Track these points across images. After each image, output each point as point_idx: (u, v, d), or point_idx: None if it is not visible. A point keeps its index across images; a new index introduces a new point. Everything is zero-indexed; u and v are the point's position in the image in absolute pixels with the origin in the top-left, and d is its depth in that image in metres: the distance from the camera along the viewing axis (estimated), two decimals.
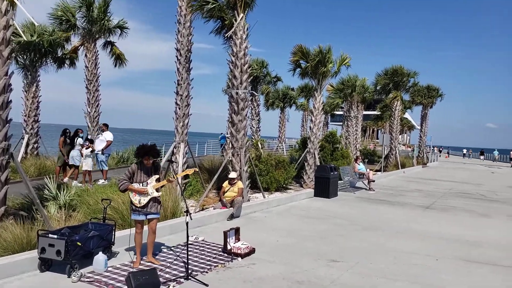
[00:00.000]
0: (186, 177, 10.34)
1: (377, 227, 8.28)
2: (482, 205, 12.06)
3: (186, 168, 10.19)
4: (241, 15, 9.84)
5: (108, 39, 16.93)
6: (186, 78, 10.07)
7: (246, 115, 10.21)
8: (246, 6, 9.90)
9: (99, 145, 11.42)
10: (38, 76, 15.12)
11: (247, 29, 10.07)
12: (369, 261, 5.88)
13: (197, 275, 4.92)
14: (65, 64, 16.48)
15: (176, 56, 10.30)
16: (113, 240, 5.55)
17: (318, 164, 13.95)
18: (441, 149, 59.45)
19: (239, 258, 5.68)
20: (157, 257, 5.56)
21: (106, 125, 12.00)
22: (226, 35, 10.57)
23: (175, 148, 9.98)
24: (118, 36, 16.75)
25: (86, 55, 16.07)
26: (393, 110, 25.25)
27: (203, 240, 6.54)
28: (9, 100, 6.00)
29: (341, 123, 30.57)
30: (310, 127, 14.84)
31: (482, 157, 53.97)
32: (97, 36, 16.16)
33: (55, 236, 4.80)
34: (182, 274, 4.89)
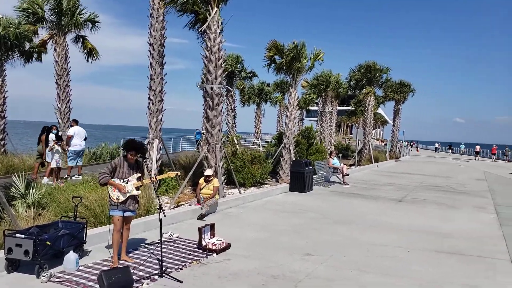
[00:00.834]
0: (160, 173, 10.21)
1: (350, 221, 8.44)
2: (451, 198, 12.50)
3: (160, 165, 10.06)
4: (215, 9, 9.74)
5: (79, 33, 16.41)
6: (160, 73, 9.91)
7: (221, 110, 10.15)
8: (220, 1, 9.81)
9: (81, 142, 11.39)
10: (4, 70, 14.54)
11: (221, 24, 9.99)
12: (343, 254, 5.99)
13: (171, 272, 4.88)
14: (33, 58, 15.88)
15: (149, 51, 10.12)
16: (84, 239, 5.42)
17: (294, 159, 14.06)
18: (412, 144, 61.89)
19: (214, 254, 5.66)
20: (130, 255, 5.47)
21: (75, 121, 11.86)
22: (200, 29, 10.45)
23: (149, 144, 9.82)
24: (90, 30, 16.26)
25: (55, 49, 15.52)
26: (367, 105, 25.74)
27: (177, 237, 6.48)
28: None
29: (316, 119, 30.90)
30: (285, 123, 14.93)
31: (449, 150, 57.24)
32: (67, 30, 15.63)
33: (23, 236, 4.63)
34: (156, 272, 4.83)
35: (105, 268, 4.77)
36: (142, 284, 4.48)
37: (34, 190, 7.43)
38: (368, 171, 21.01)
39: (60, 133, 12.96)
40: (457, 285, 4.92)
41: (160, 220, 4.97)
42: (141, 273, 4.82)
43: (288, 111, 14.85)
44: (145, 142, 9.92)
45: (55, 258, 4.94)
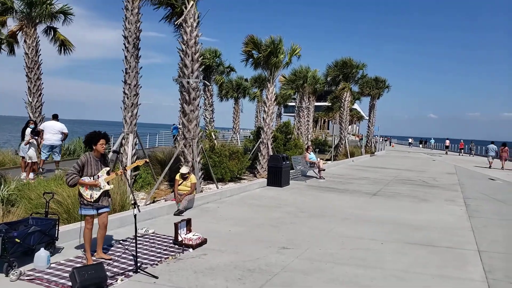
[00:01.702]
0: (136, 168, 10.06)
1: (326, 214, 8.56)
2: (424, 191, 12.86)
3: (136, 160, 9.90)
4: (191, 2, 9.62)
5: (51, 25, 15.88)
6: (135, 67, 9.71)
7: (198, 105, 10.07)
8: None
9: (51, 136, 11.39)
10: None
11: (198, 17, 9.88)
12: (318, 247, 6.08)
13: (146, 267, 4.82)
14: (1, 50, 15.27)
15: (124, 44, 9.89)
16: (56, 235, 5.28)
17: (271, 154, 14.12)
18: (386, 139, 64.06)
19: (191, 249, 5.64)
20: (104, 251, 5.37)
21: (54, 116, 11.89)
22: (176, 22, 10.31)
23: (124, 139, 9.64)
24: (63, 22, 15.75)
25: (25, 41, 14.95)
26: (343, 101, 26.10)
27: (153, 233, 6.41)
28: None
29: (294, 114, 31.11)
30: (263, 118, 14.97)
31: (421, 145, 61.20)
32: (37, 21, 15.09)
33: None
34: (131, 268, 4.76)
35: (78, 265, 4.67)
36: (117, 281, 4.42)
37: (2, 186, 7.18)
38: (344, 166, 21.35)
39: (37, 128, 12.68)
40: (427, 275, 5.08)
41: (135, 216, 4.89)
42: (115, 269, 4.74)
43: (266, 106, 14.89)
44: (120, 137, 9.73)
45: (25, 256, 4.81)
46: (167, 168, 9.65)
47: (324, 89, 29.57)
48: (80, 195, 4.98)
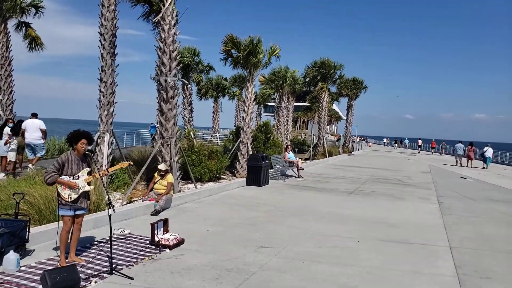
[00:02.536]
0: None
1: (304, 213, 8.63)
2: (399, 190, 13.15)
3: (111, 160, 9.71)
4: (169, 0, 9.51)
5: (22, 20, 15.37)
6: (111, 64, 9.52)
7: (176, 103, 9.96)
8: None
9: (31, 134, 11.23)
10: None
11: (176, 15, 9.77)
12: (296, 246, 6.12)
13: (122, 268, 4.73)
14: None
15: (100, 41, 9.67)
16: (27, 237, 5.12)
17: (251, 153, 14.12)
18: (363, 139, 65.85)
19: (168, 250, 5.57)
20: (78, 252, 5.22)
21: (33, 115, 11.65)
22: (154, 20, 10.16)
23: (99, 138, 9.44)
24: (33, 15, 15.27)
25: None
26: (321, 101, 26.37)
27: (129, 233, 6.29)
28: None
29: (273, 114, 31.22)
30: (243, 117, 14.95)
31: (396, 145, 63.60)
32: (7, 16, 14.57)
33: None
34: (105, 269, 4.66)
35: (50, 267, 4.54)
36: (90, 283, 4.31)
37: None
38: (323, 165, 21.58)
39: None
40: (401, 271, 5.19)
41: (110, 216, 4.79)
42: (89, 271, 4.63)
43: (246, 106, 14.88)
44: (96, 136, 9.52)
45: None
46: (144, 168, 9.50)
47: (303, 89, 29.82)
48: (58, 194, 4.84)
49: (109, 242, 4.78)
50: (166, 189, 8.18)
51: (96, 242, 5.79)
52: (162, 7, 9.54)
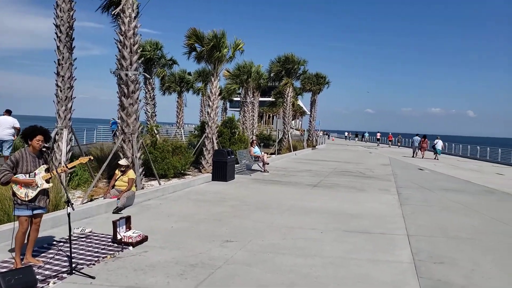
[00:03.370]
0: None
1: (269, 206, 8.73)
2: (361, 182, 13.57)
3: (71, 157, 9.36)
4: None
5: None
6: (68, 58, 9.14)
7: (138, 98, 9.73)
8: None
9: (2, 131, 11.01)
10: None
11: (137, 7, 9.52)
12: (261, 239, 6.18)
13: (82, 268, 4.60)
14: None
15: (56, 33, 9.26)
16: None
17: (216, 149, 14.07)
18: (326, 133, 68.08)
19: (131, 247, 5.46)
20: (35, 253, 5.01)
21: (6, 111, 11.40)
22: (113, 12, 9.86)
23: (57, 134, 9.06)
24: None
25: None
26: (286, 96, 26.68)
27: (90, 232, 6.11)
28: None
29: (239, 109, 31.22)
30: (208, 112, 14.84)
31: (356, 138, 67.14)
32: None
33: None
34: (65, 269, 4.51)
35: (3, 270, 4.33)
36: (48, 284, 4.16)
37: None
38: (288, 159, 21.87)
39: None
40: (362, 260, 5.39)
41: (69, 214, 4.62)
42: (47, 272, 4.47)
43: (210, 101, 14.79)
44: (53, 133, 9.13)
45: None
46: (105, 165, 9.23)
47: (268, 85, 30.01)
48: (14, 194, 4.60)
49: (68, 241, 4.62)
50: (127, 185, 8.00)
51: (55, 242, 5.58)
52: None
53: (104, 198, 8.02)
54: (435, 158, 27.42)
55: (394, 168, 19.45)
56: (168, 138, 17.32)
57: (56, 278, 4.30)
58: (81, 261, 4.85)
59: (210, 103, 14.74)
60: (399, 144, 47.82)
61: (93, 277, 4.35)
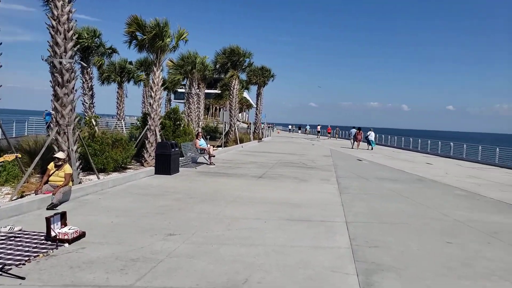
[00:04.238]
0: None
1: (214, 198, 8.71)
2: (304, 172, 13.99)
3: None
4: None
5: None
6: None
7: (73, 88, 9.18)
8: None
9: None
10: None
11: None
12: (205, 231, 6.16)
13: (10, 268, 4.28)
14: None
15: None
16: None
17: (160, 141, 13.72)
18: (272, 126, 70.04)
19: (66, 244, 5.18)
20: None
21: None
22: None
23: None
24: None
25: None
26: (232, 88, 26.65)
27: (20, 230, 5.69)
28: None
29: (184, 101, 30.66)
30: (150, 103, 14.40)
31: (299, 131, 70.58)
32: None
33: None
34: None
35: None
36: None
37: None
38: (234, 152, 21.93)
39: None
40: (303, 247, 5.58)
41: None
42: None
43: (153, 91, 14.35)
44: None
45: None
46: (38, 158, 8.62)
47: (214, 77, 29.79)
48: None
49: None
50: (64, 181, 7.55)
51: None
52: None
53: (36, 194, 7.50)
54: (368, 149, 29.51)
55: (334, 159, 20.28)
56: (108, 131, 16.56)
57: None
58: (9, 262, 4.50)
59: (153, 94, 14.31)
60: (336, 136, 50.69)
61: (23, 278, 4.07)
